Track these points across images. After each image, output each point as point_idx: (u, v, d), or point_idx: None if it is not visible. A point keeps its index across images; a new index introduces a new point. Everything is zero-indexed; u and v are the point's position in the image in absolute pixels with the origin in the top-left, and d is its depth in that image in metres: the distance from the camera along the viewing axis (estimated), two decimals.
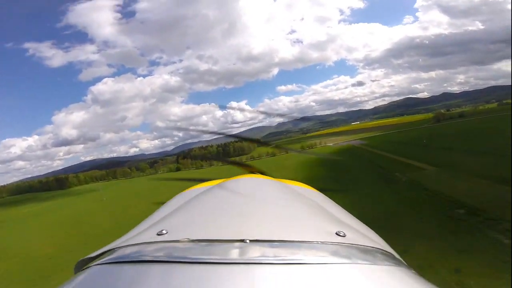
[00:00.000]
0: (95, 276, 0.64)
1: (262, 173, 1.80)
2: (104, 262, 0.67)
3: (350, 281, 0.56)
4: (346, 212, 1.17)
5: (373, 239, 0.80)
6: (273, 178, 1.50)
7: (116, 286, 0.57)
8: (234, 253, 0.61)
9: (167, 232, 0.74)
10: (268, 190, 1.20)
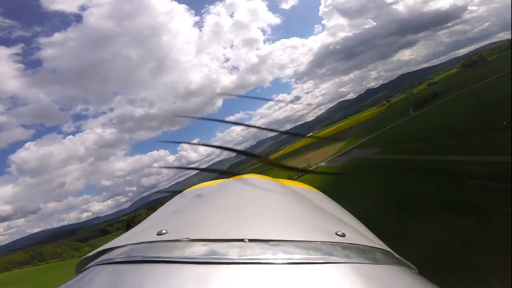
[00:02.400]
0: (95, 276, 0.65)
1: (277, 166, 1.77)
2: (104, 262, 0.67)
3: (350, 280, 0.56)
4: (346, 212, 1.18)
5: (372, 239, 0.80)
6: (272, 178, 1.44)
7: (116, 286, 0.58)
8: (233, 253, 0.61)
9: (167, 232, 0.73)
10: (268, 190, 1.19)
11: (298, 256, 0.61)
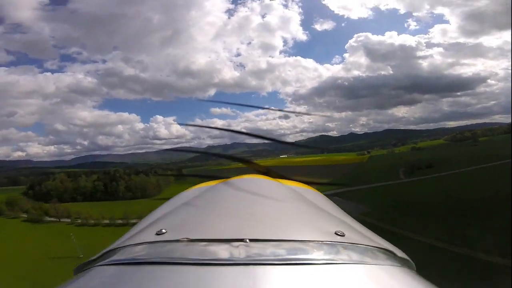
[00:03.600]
0: (94, 277, 0.65)
1: (264, 173, 1.71)
2: (103, 263, 0.67)
3: (350, 280, 0.56)
4: (345, 212, 1.19)
5: (373, 239, 0.81)
6: (272, 179, 1.49)
7: (115, 286, 0.57)
8: (234, 253, 0.62)
9: (166, 232, 0.73)
10: (268, 190, 1.20)
11: (298, 256, 0.61)
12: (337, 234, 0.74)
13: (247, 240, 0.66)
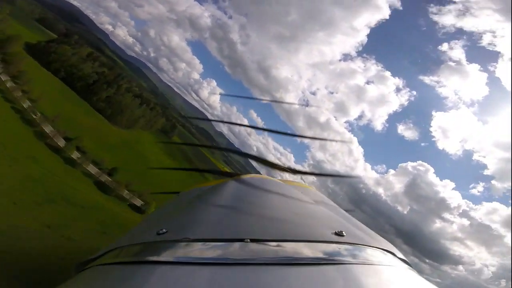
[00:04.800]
0: (94, 276, 0.64)
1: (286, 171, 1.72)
2: (103, 263, 0.67)
3: (350, 280, 0.56)
4: (345, 212, 1.20)
5: (372, 239, 0.80)
6: (272, 178, 1.49)
7: (115, 286, 0.57)
8: (234, 253, 0.61)
9: (166, 232, 0.74)
10: (268, 190, 1.22)
11: (298, 256, 0.61)
12: (337, 234, 0.74)
13: (247, 240, 0.66)
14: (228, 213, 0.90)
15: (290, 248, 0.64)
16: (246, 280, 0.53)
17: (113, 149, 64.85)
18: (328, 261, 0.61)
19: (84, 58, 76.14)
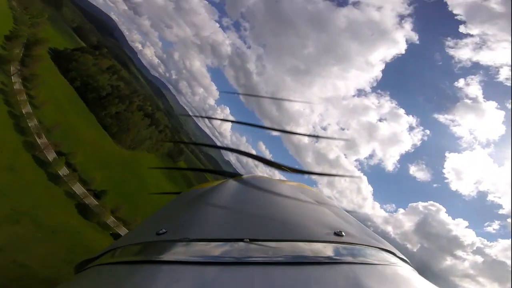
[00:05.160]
0: (95, 276, 0.65)
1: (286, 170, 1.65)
2: (104, 263, 0.68)
3: (350, 280, 0.56)
4: (345, 211, 1.21)
5: (372, 239, 0.81)
6: (272, 178, 1.50)
7: (115, 286, 0.57)
8: (233, 253, 0.62)
9: (166, 232, 0.74)
10: (267, 190, 1.23)
11: (298, 256, 0.61)
12: (337, 234, 0.74)
13: (247, 240, 0.66)
14: (228, 213, 0.90)
15: (290, 248, 0.64)
16: (246, 280, 0.53)
17: (109, 169, 60.71)
18: (328, 261, 0.61)
19: (103, 70, 75.36)
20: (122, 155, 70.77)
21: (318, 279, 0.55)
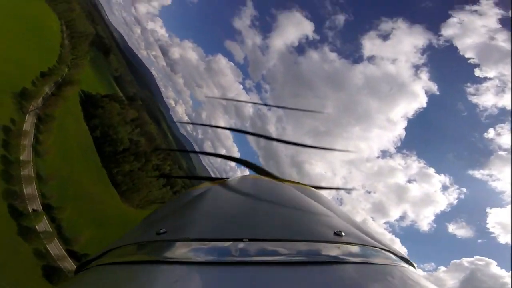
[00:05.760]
0: (95, 276, 0.64)
1: (266, 173, 1.72)
2: (104, 262, 0.67)
3: (350, 280, 0.56)
4: (345, 211, 1.21)
5: (372, 238, 0.81)
6: (272, 178, 1.50)
7: (115, 286, 0.57)
8: (233, 253, 0.61)
9: (166, 231, 0.73)
10: (267, 190, 1.23)
11: (298, 256, 0.61)
12: (336, 234, 0.74)
13: (247, 240, 0.65)
14: (228, 213, 0.89)
15: (290, 248, 0.64)
16: (245, 280, 0.53)
17: (106, 228, 50.42)
18: (328, 260, 0.61)
19: (126, 121, 70.30)
20: (127, 214, 61.57)
21: (318, 279, 0.55)
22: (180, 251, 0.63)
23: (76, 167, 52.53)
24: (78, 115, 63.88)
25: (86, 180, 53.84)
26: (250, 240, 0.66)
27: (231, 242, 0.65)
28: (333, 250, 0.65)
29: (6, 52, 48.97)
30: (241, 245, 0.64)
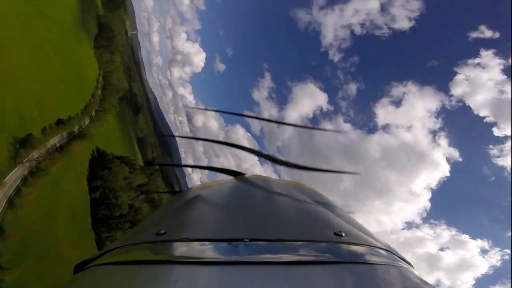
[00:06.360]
0: (94, 276, 0.64)
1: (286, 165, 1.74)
2: (103, 263, 0.67)
3: (350, 280, 0.56)
4: (345, 211, 1.22)
5: (372, 238, 0.81)
6: (272, 178, 1.51)
7: (115, 286, 0.57)
8: (233, 253, 0.61)
9: (166, 232, 0.73)
10: (267, 190, 1.22)
11: (298, 256, 0.61)
12: (336, 234, 0.74)
13: (247, 240, 0.65)
14: (228, 213, 0.90)
15: (290, 248, 0.64)
16: (245, 280, 0.53)
17: None
18: (328, 260, 0.61)
19: (132, 187, 63.00)
20: None
21: (318, 279, 0.55)
22: (181, 251, 0.63)
23: (58, 227, 43.66)
24: (82, 174, 57.83)
25: (65, 242, 44.12)
26: (250, 240, 0.65)
27: (231, 242, 0.65)
28: (333, 250, 0.66)
29: (31, 89, 44.68)
30: (241, 245, 0.64)
